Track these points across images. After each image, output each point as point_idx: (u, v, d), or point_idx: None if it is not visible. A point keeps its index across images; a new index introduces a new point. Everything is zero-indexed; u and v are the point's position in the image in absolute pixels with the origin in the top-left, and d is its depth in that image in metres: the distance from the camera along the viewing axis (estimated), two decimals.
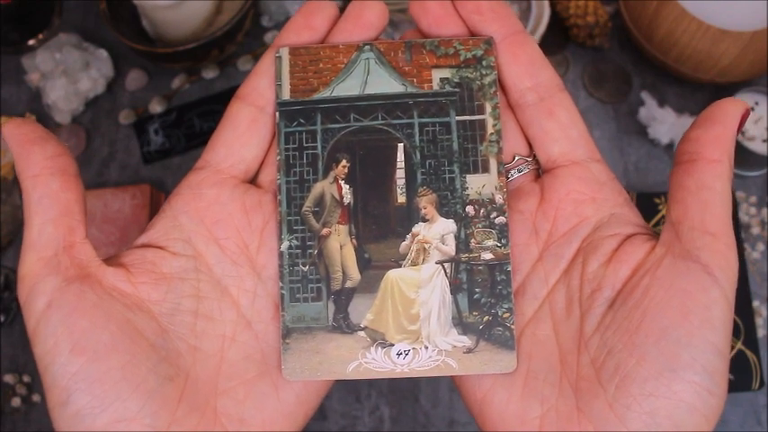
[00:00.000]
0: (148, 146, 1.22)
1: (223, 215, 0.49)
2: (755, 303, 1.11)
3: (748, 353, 1.04)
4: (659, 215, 1.11)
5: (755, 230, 1.15)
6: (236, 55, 1.25)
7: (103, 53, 1.24)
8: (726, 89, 1.16)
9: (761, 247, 1.14)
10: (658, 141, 1.17)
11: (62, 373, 0.43)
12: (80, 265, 0.45)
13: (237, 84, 1.23)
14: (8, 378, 1.10)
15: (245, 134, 0.51)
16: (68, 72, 1.21)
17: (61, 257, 0.45)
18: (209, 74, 1.24)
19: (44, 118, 1.23)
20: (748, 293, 1.07)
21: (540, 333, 0.48)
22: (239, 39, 1.21)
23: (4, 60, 1.27)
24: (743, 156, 1.10)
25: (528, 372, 0.47)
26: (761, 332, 1.09)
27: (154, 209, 1.14)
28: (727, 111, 0.45)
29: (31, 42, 1.27)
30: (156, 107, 1.22)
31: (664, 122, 1.16)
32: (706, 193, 0.44)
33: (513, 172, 0.51)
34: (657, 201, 1.11)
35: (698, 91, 1.21)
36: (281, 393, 0.49)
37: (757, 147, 1.09)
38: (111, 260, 0.48)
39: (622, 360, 0.43)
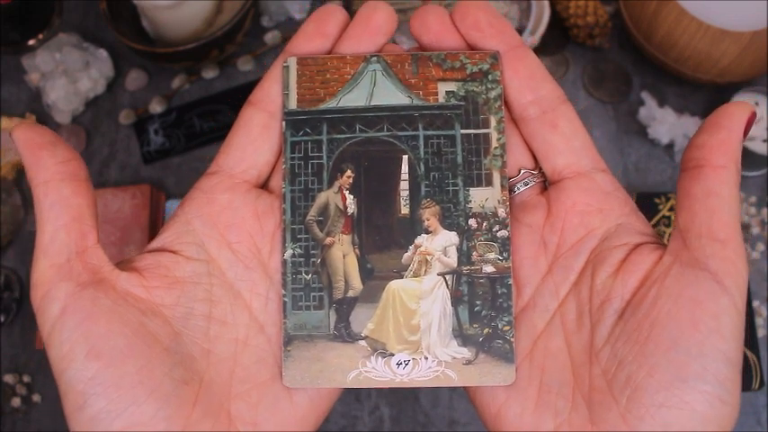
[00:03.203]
0: (148, 146, 1.22)
1: (236, 220, 0.49)
2: (755, 303, 1.11)
3: (748, 353, 1.05)
4: (659, 215, 1.11)
5: (755, 230, 1.15)
6: (236, 55, 1.25)
7: (103, 53, 1.24)
8: (726, 89, 1.16)
9: (761, 247, 1.14)
10: (658, 141, 1.17)
11: (78, 378, 0.43)
12: (93, 271, 0.45)
13: (237, 84, 1.24)
14: (8, 378, 1.11)
15: (257, 140, 0.51)
16: (68, 72, 1.22)
17: (74, 263, 0.45)
18: (209, 74, 1.24)
19: (44, 118, 1.23)
20: (748, 293, 1.07)
21: (553, 346, 0.47)
22: (239, 39, 1.21)
23: (4, 60, 1.27)
24: (743, 156, 1.10)
25: (541, 385, 0.47)
26: (761, 332, 1.09)
27: (154, 209, 1.14)
28: (733, 115, 0.45)
29: (31, 42, 1.27)
30: (156, 107, 1.22)
31: (664, 122, 1.16)
32: (713, 199, 0.43)
33: (519, 185, 0.51)
34: (657, 201, 1.11)
35: (698, 91, 1.21)
36: (295, 397, 0.49)
37: (757, 147, 1.10)
38: (123, 264, 0.48)
39: (633, 371, 0.43)
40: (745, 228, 1.15)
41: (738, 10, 1.08)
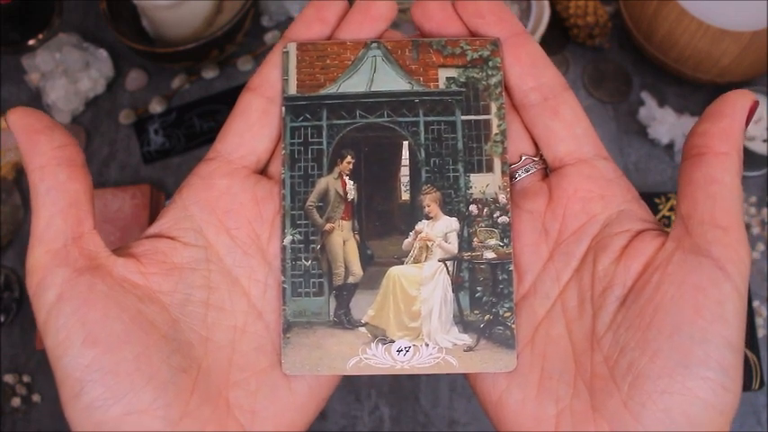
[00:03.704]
0: (148, 146, 1.22)
1: (234, 205, 0.49)
2: (755, 303, 1.11)
3: (748, 353, 1.04)
4: (659, 215, 1.11)
5: (755, 230, 1.15)
6: (236, 55, 1.25)
7: (103, 53, 1.24)
8: (726, 89, 1.13)
9: (761, 247, 1.14)
10: (658, 141, 1.17)
11: (74, 365, 0.42)
12: (89, 257, 0.45)
13: (238, 84, 1.24)
14: (8, 378, 1.10)
15: (255, 125, 0.51)
16: (68, 72, 1.22)
17: (70, 249, 0.44)
18: (209, 74, 1.24)
19: None
20: (748, 293, 1.07)
21: (554, 332, 0.47)
22: (239, 39, 1.21)
23: (4, 60, 1.27)
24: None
25: (543, 371, 0.47)
26: (761, 332, 1.09)
27: (154, 209, 1.14)
28: (735, 103, 0.45)
29: (31, 42, 1.27)
30: (156, 107, 1.22)
31: (664, 122, 1.16)
32: (715, 186, 0.43)
33: (520, 172, 0.51)
34: (657, 201, 1.11)
35: (698, 91, 1.21)
36: (294, 385, 0.49)
37: (757, 147, 1.09)
38: (120, 251, 0.48)
39: (635, 357, 0.43)
40: (746, 228, 1.15)
41: (738, 10, 1.08)
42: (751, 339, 1.05)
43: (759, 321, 1.09)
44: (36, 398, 1.10)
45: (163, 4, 1.14)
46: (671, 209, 1.11)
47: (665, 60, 1.14)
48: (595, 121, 1.16)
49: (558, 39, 1.24)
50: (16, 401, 1.10)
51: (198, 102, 1.24)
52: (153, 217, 1.13)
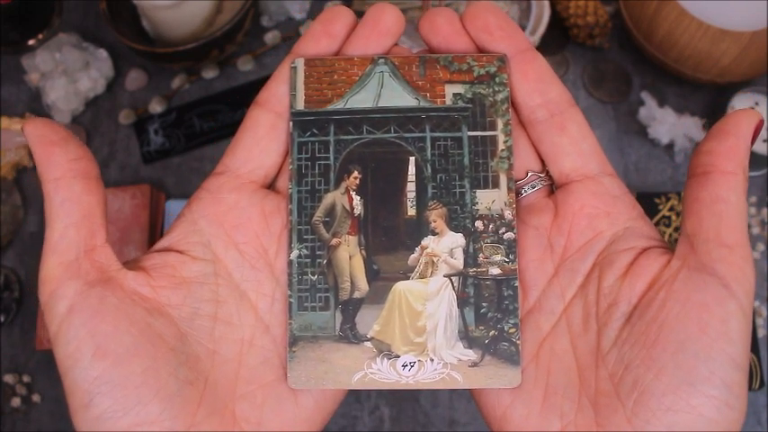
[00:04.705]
0: (148, 146, 1.22)
1: (242, 220, 0.49)
2: (755, 303, 1.11)
3: None
4: (659, 215, 1.11)
5: (755, 230, 1.15)
6: (236, 55, 1.25)
7: (103, 53, 1.24)
8: (726, 89, 1.16)
9: (761, 247, 1.14)
10: (658, 141, 1.17)
11: (84, 377, 0.43)
12: (101, 269, 0.45)
13: (237, 84, 1.24)
14: (8, 378, 1.11)
15: (264, 140, 0.51)
16: (68, 72, 1.21)
17: (82, 261, 0.45)
18: (209, 74, 1.24)
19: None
20: None
21: (559, 348, 0.47)
22: (239, 39, 1.21)
23: (4, 60, 1.27)
24: None
25: (547, 387, 0.47)
26: (761, 332, 1.09)
27: (154, 209, 1.14)
28: (741, 122, 0.45)
29: (31, 42, 1.27)
30: (156, 107, 1.22)
31: (664, 122, 1.16)
32: (721, 205, 0.44)
33: (526, 188, 0.50)
34: (657, 201, 1.12)
35: (698, 91, 1.21)
36: (300, 398, 0.49)
37: (757, 147, 1.09)
38: (131, 264, 0.48)
39: (640, 374, 0.43)
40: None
41: (738, 10, 1.08)
42: (751, 339, 1.05)
43: (759, 321, 1.10)
44: (36, 398, 1.11)
45: (163, 4, 1.14)
46: (671, 209, 1.11)
47: (665, 60, 1.14)
48: (595, 122, 1.16)
49: (558, 39, 1.24)
50: (16, 401, 1.10)
51: (198, 102, 1.24)
52: (153, 217, 1.14)
